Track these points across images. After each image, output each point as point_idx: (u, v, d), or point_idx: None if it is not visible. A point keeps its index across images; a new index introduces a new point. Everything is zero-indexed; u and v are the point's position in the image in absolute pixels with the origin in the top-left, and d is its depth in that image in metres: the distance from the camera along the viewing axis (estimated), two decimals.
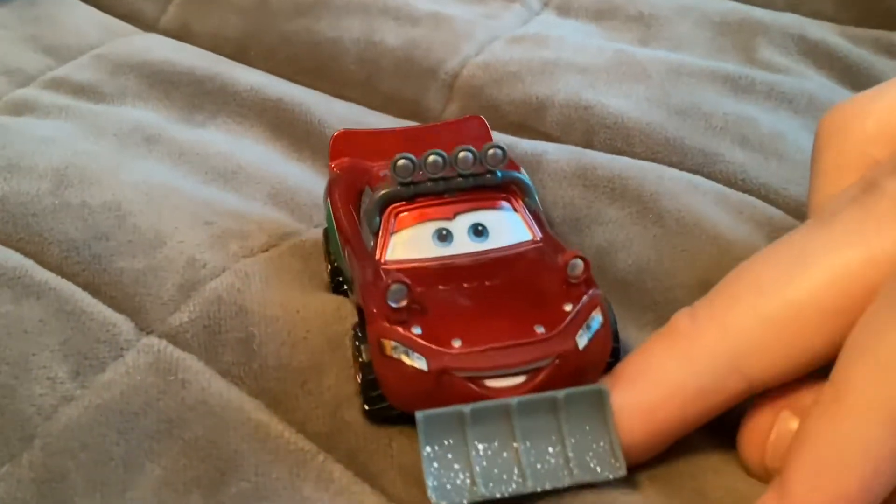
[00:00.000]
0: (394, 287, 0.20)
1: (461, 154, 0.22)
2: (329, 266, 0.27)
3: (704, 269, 0.27)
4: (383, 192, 0.23)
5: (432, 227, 0.23)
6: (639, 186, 0.30)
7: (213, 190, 0.31)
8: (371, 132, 0.29)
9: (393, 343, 0.20)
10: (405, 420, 0.22)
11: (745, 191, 0.31)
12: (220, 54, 0.40)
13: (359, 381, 0.22)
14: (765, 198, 0.30)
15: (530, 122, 0.35)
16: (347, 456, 0.22)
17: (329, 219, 0.26)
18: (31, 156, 0.31)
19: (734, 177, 0.31)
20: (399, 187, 0.23)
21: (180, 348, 0.25)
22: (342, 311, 0.25)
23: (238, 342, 0.25)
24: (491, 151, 0.22)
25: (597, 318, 0.21)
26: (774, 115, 0.34)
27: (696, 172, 0.31)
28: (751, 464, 0.22)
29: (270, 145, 0.34)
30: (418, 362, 0.20)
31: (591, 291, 0.21)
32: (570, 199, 0.30)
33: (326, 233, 0.27)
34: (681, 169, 0.32)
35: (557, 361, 0.20)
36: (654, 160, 0.32)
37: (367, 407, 0.22)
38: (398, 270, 0.22)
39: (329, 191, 0.27)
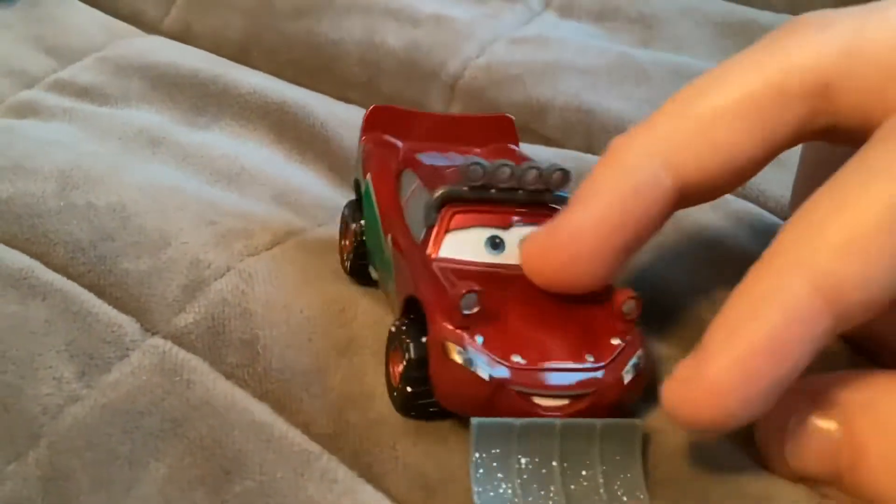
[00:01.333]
0: (468, 294, 0.21)
1: (529, 171, 0.23)
2: (352, 242, 0.27)
3: (702, 275, 0.27)
4: (448, 189, 0.23)
5: (487, 233, 0.23)
6: None
7: (218, 192, 0.31)
8: (405, 112, 0.29)
9: (458, 348, 0.21)
10: (411, 422, 0.22)
11: (744, 197, 0.31)
12: (223, 56, 0.40)
13: (397, 375, 0.22)
14: (763, 205, 0.30)
15: (531, 125, 0.35)
16: (351, 457, 0.22)
17: (367, 196, 0.26)
18: (36, 158, 0.31)
19: None
20: (464, 189, 0.23)
21: (185, 349, 0.25)
22: (347, 313, 0.25)
23: (242, 344, 0.25)
24: (557, 174, 0.23)
25: (641, 356, 0.22)
26: None
27: None
28: (775, 466, 0.22)
29: (273, 148, 0.34)
30: (482, 372, 0.21)
31: (636, 330, 0.22)
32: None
33: (351, 205, 0.27)
34: None
35: (601, 392, 0.21)
36: None
37: (404, 403, 0.22)
38: (456, 270, 0.22)
39: (365, 167, 0.27)
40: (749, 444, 0.22)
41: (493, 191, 0.23)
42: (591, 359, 0.21)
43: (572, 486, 0.21)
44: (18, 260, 0.27)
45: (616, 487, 0.21)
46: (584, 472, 0.21)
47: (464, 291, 0.21)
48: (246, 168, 0.32)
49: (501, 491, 0.20)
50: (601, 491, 0.21)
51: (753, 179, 0.31)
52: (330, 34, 0.40)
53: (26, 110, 0.36)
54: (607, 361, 0.21)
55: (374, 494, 0.21)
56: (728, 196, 0.31)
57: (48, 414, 0.23)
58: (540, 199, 0.23)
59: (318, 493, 0.21)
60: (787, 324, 0.18)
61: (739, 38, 0.40)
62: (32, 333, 0.25)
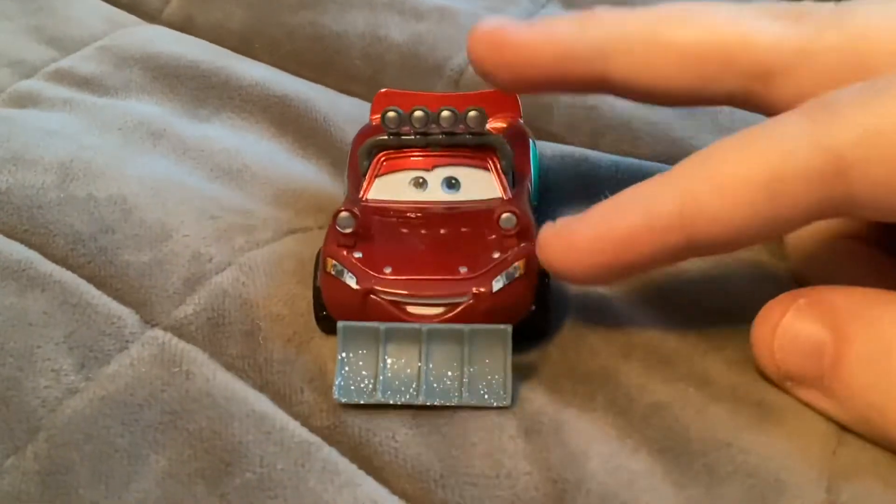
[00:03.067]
0: (343, 214, 0.24)
1: (443, 113, 0.25)
2: None
3: (707, 269, 0.27)
4: (374, 138, 0.26)
5: (411, 175, 0.26)
6: None
7: (218, 186, 0.31)
8: (412, 94, 0.30)
9: (333, 262, 0.24)
10: (409, 415, 0.22)
11: None
12: (224, 47, 0.40)
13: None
14: None
15: (537, 121, 0.35)
16: (351, 450, 0.22)
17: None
18: (36, 148, 0.31)
19: None
20: (386, 137, 0.26)
21: (185, 341, 0.25)
22: None
23: (243, 335, 0.25)
24: (472, 114, 0.25)
25: (517, 268, 0.23)
26: None
27: None
28: (762, 360, 0.23)
29: (275, 142, 0.34)
30: (350, 281, 0.23)
31: (522, 245, 0.24)
32: (575, 202, 0.30)
33: None
34: None
35: (472, 300, 0.23)
36: (660, 160, 0.32)
37: (315, 314, 0.25)
38: (371, 207, 0.25)
39: (355, 138, 0.29)
40: (758, 419, 0.22)
41: (415, 136, 0.26)
42: (465, 270, 0.23)
43: (435, 385, 0.23)
44: (17, 251, 0.27)
45: (480, 387, 0.22)
46: (449, 373, 0.23)
47: (340, 210, 0.24)
48: (247, 163, 0.32)
49: (362, 385, 0.23)
50: (462, 389, 0.22)
51: None
52: (333, 27, 0.40)
53: (26, 100, 0.35)
54: (479, 272, 0.23)
55: (374, 486, 0.21)
56: None
57: (47, 406, 0.23)
58: (460, 141, 0.26)
59: (319, 485, 0.21)
60: (644, 227, 0.21)
61: None
62: (31, 325, 0.25)
